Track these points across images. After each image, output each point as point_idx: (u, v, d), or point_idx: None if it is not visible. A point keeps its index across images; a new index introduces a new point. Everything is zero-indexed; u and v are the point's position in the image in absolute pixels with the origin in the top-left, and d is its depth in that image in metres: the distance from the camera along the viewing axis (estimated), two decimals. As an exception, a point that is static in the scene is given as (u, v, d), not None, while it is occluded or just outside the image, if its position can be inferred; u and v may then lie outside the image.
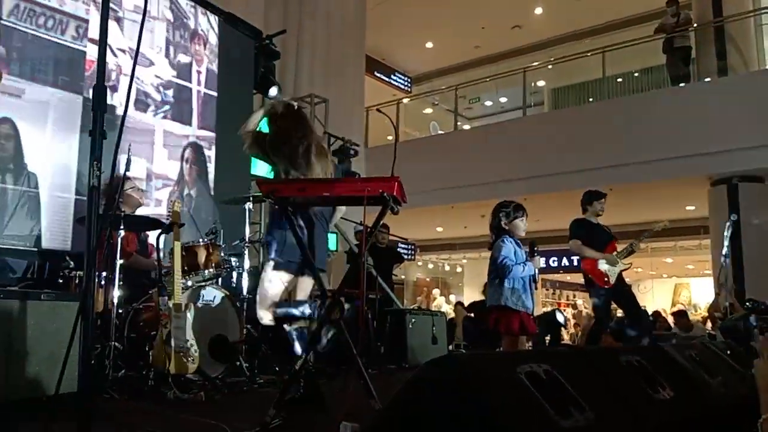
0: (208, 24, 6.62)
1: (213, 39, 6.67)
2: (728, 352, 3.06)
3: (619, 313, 6.41)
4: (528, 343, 3.85)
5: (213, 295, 4.20)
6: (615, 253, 5.35)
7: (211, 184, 6.43)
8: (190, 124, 6.27)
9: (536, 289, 3.64)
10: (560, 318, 8.19)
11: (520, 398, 1.38)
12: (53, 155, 4.96)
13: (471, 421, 1.28)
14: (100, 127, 1.24)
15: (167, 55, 6.09)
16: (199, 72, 6.46)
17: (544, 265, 14.53)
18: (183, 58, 6.28)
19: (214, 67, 6.64)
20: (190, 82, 6.36)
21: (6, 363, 2.86)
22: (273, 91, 7.26)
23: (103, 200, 3.77)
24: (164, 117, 6.00)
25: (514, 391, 1.39)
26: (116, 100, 5.40)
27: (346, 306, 2.84)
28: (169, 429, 2.56)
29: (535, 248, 3.65)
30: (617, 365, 1.94)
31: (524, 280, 3.61)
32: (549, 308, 14.01)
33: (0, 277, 4.43)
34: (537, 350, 3.57)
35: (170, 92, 6.10)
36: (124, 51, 5.58)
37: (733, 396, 2.45)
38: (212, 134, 6.50)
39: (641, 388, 1.89)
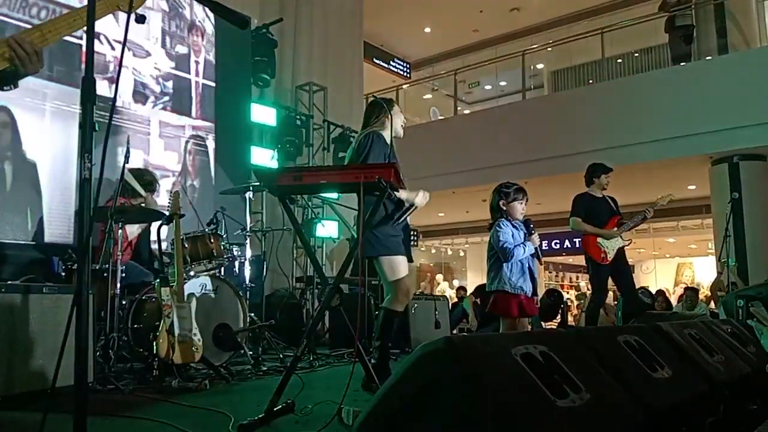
0: (204, 14, 6.58)
1: (209, 29, 6.64)
2: (728, 330, 3.06)
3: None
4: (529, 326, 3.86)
5: (216, 284, 4.22)
6: (616, 228, 5.35)
7: (212, 174, 6.43)
8: (189, 114, 6.27)
9: (540, 264, 3.63)
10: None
11: (516, 380, 1.39)
12: (52, 150, 4.96)
13: (467, 403, 1.29)
14: (90, 119, 1.24)
15: (164, 45, 6.07)
16: (197, 62, 6.44)
17: (546, 248, 14.52)
18: (181, 49, 6.26)
19: (212, 57, 6.62)
20: (189, 73, 6.34)
21: (9, 356, 2.88)
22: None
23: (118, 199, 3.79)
24: (163, 108, 5.99)
25: (510, 373, 1.40)
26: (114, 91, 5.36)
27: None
28: (174, 418, 2.58)
29: (531, 225, 3.66)
30: (615, 345, 1.94)
31: (522, 263, 3.62)
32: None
33: (2, 271, 4.45)
34: (533, 332, 3.58)
35: (169, 84, 6.09)
36: (120, 42, 5.55)
37: (733, 374, 2.45)
38: (211, 124, 6.49)
39: (639, 367, 1.90)
